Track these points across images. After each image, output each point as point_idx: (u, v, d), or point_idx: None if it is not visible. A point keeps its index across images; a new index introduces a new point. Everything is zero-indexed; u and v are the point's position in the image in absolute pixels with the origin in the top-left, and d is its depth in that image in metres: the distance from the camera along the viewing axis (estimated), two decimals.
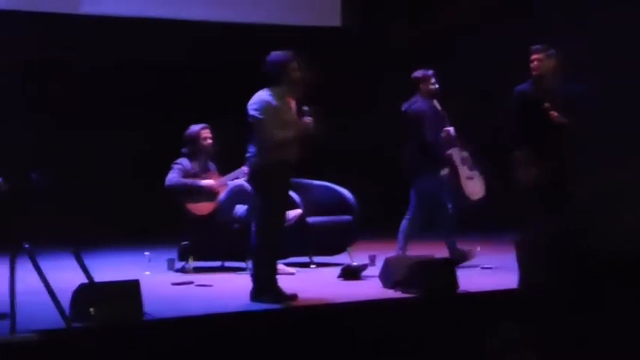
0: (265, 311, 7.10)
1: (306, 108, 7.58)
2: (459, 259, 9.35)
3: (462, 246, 9.58)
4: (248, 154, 7.58)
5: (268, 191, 7.46)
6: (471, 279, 8.33)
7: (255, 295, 7.43)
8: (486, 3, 12.90)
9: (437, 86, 9.57)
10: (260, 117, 7.40)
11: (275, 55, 7.52)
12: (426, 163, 9.40)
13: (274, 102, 7.45)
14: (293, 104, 7.62)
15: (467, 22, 13.13)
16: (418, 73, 9.61)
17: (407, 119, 9.46)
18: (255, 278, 7.50)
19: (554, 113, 8.44)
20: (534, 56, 8.65)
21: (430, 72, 9.60)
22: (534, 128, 8.46)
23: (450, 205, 9.41)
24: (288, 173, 7.61)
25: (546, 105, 8.43)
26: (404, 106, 9.51)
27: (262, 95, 7.47)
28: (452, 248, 9.48)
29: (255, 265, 7.57)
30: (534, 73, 8.62)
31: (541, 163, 8.39)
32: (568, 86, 8.56)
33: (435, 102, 9.60)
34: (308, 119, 7.54)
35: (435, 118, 9.51)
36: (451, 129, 9.56)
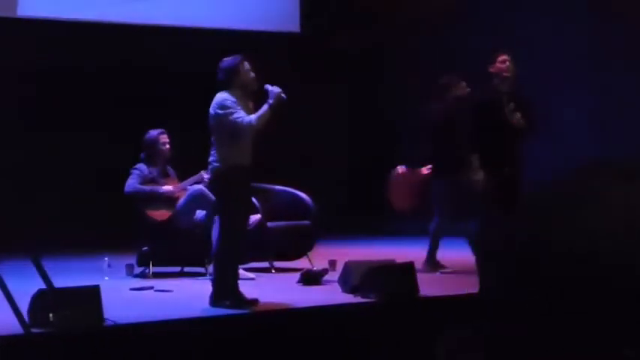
0: (226, 316, 7.12)
1: (267, 86, 7.65)
2: (430, 267, 9.42)
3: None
4: (210, 159, 7.62)
5: (230, 196, 7.49)
6: (432, 283, 8.39)
7: (215, 300, 7.45)
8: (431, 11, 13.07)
9: (468, 90, 9.39)
10: (228, 110, 7.46)
11: (226, 60, 7.67)
12: (454, 167, 9.24)
13: (235, 99, 7.54)
14: (251, 105, 7.70)
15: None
16: (449, 79, 9.39)
17: (439, 123, 9.21)
18: (215, 283, 7.52)
19: (517, 115, 8.52)
20: (504, 58, 8.70)
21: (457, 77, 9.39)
22: (494, 132, 8.54)
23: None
24: (248, 178, 7.67)
25: (512, 106, 8.50)
26: (430, 110, 9.29)
27: (222, 95, 7.57)
28: (432, 254, 9.53)
29: (216, 269, 7.59)
30: (505, 75, 8.67)
31: (496, 167, 8.48)
32: (522, 89, 8.69)
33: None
34: (275, 89, 7.60)
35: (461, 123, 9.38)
36: None
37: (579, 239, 1.12)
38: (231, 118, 7.50)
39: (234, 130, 7.51)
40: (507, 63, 8.72)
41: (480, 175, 8.89)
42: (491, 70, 8.85)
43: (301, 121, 12.38)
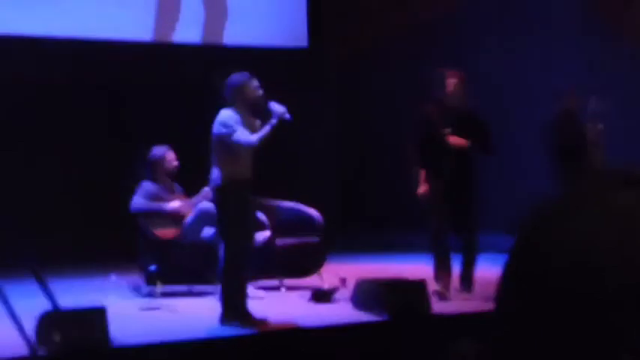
0: (235, 337, 7.11)
1: (271, 105, 7.68)
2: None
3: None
4: (211, 176, 7.65)
5: (232, 212, 7.51)
6: (446, 300, 8.37)
7: (224, 319, 7.45)
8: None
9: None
10: (230, 129, 7.48)
11: (233, 77, 7.70)
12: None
13: (240, 117, 7.56)
14: (257, 123, 7.73)
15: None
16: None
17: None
18: (223, 302, 7.52)
19: (452, 138, 8.65)
20: (451, 79, 8.78)
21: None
22: (432, 147, 8.67)
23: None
24: (249, 193, 7.69)
25: (447, 130, 8.67)
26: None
27: (226, 113, 7.60)
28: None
29: (223, 288, 7.59)
30: (451, 94, 8.76)
31: (436, 181, 8.65)
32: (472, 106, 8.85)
33: None
34: (280, 108, 7.62)
35: None
36: None
37: (580, 250, 1.13)
38: (232, 137, 7.52)
39: (235, 148, 7.54)
40: (454, 83, 8.78)
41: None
42: (441, 89, 8.87)
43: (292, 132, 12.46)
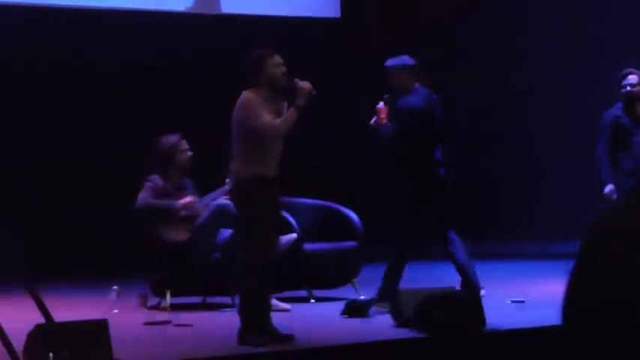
0: (255, 355, 7.12)
1: (296, 81, 7.70)
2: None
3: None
4: (232, 168, 7.64)
5: (255, 212, 7.50)
6: (501, 313, 8.36)
7: (243, 336, 7.44)
8: None
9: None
10: (252, 113, 7.48)
11: (252, 53, 7.67)
12: None
13: (262, 100, 7.57)
14: (283, 104, 7.73)
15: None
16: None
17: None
18: (242, 316, 7.51)
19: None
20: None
21: None
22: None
23: None
24: (275, 190, 7.68)
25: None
26: None
27: (247, 95, 7.57)
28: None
29: (242, 300, 7.58)
30: (394, 86, 9.34)
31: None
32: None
33: None
34: (305, 85, 7.64)
35: None
36: None
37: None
38: (254, 122, 7.50)
39: (259, 136, 7.51)
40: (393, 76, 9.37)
41: None
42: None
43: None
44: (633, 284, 1.10)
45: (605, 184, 9.73)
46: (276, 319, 7.63)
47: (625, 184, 9.71)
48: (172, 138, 9.63)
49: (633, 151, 9.79)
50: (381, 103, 9.24)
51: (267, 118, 7.53)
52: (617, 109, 9.88)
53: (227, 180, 8.70)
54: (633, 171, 9.79)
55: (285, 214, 9.53)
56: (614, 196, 9.65)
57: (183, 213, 9.43)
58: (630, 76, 9.82)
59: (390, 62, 9.41)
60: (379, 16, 14.03)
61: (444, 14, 13.74)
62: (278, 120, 7.57)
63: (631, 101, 9.84)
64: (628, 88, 9.81)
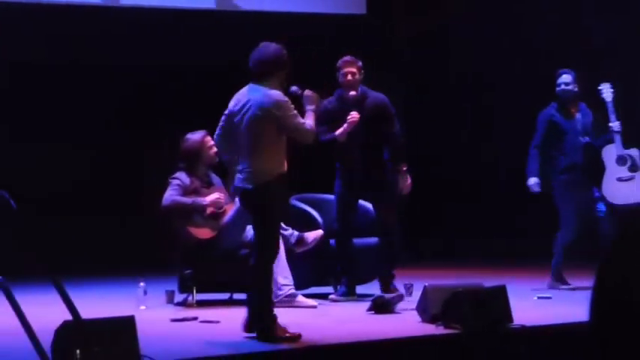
0: (282, 352, 7.11)
1: (294, 88, 7.71)
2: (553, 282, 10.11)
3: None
4: (247, 168, 7.52)
5: (274, 211, 7.49)
6: (529, 309, 8.33)
7: (269, 333, 7.41)
8: None
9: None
10: (290, 112, 7.46)
11: (268, 48, 7.60)
12: None
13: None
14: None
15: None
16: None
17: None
18: (264, 315, 7.44)
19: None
20: (348, 69, 9.63)
21: None
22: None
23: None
24: (287, 188, 7.73)
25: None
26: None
27: (276, 92, 7.49)
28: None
29: (254, 295, 7.54)
30: (347, 84, 9.62)
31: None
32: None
33: None
34: (308, 92, 7.67)
35: None
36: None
37: None
38: (293, 121, 7.46)
39: (291, 135, 7.48)
40: (349, 75, 9.63)
41: None
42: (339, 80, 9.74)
43: None
44: None
45: (528, 177, 10.10)
46: (302, 315, 7.62)
47: (558, 180, 10.06)
48: (198, 134, 9.63)
49: (567, 148, 10.07)
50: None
51: (301, 117, 7.52)
52: (551, 108, 10.16)
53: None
54: (567, 168, 10.10)
55: (312, 211, 9.53)
56: (537, 189, 10.10)
57: (210, 210, 9.43)
58: (564, 75, 10.15)
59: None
60: (405, 12, 14.00)
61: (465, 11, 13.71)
62: (309, 121, 7.55)
63: (565, 100, 10.13)
64: (562, 86, 10.13)
